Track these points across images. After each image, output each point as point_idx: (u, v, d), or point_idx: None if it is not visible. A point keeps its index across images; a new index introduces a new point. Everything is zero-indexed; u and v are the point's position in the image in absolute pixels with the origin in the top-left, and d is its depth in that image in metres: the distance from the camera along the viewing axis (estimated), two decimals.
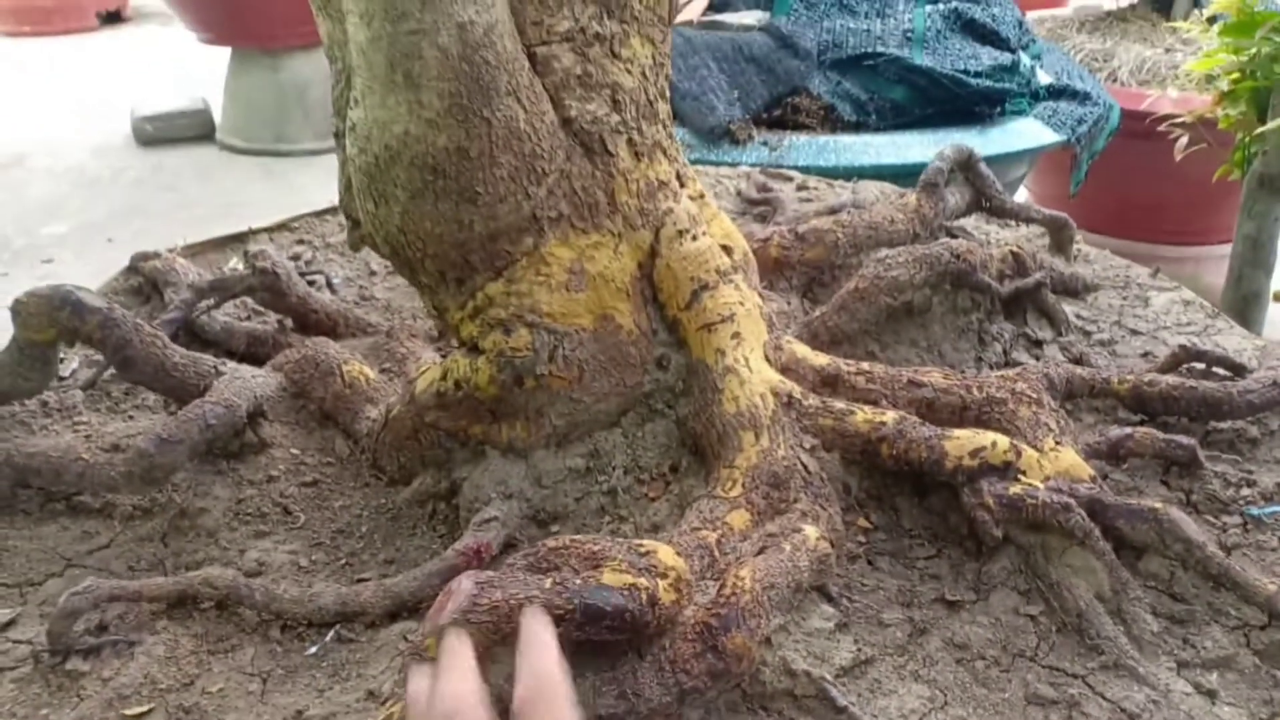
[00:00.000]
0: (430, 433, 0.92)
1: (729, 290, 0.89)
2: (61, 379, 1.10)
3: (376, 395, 1.02)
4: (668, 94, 0.92)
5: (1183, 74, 2.52)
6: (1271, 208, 1.68)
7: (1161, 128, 2.08)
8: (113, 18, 7.30)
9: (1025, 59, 1.92)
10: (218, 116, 4.61)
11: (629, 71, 0.86)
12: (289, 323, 1.18)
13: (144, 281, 1.27)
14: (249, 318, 1.24)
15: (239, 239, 1.42)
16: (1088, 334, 1.14)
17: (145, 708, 0.71)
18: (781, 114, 1.76)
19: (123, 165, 4.35)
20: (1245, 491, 0.88)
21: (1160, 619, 0.74)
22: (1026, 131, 1.81)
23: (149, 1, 7.96)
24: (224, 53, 4.61)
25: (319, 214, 1.51)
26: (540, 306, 0.84)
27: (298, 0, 4.07)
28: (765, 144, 1.69)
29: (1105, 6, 3.21)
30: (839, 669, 0.68)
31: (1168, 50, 2.79)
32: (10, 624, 0.78)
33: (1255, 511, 0.86)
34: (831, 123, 1.75)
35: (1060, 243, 1.29)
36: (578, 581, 0.63)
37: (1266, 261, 1.71)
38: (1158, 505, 0.76)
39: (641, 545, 0.67)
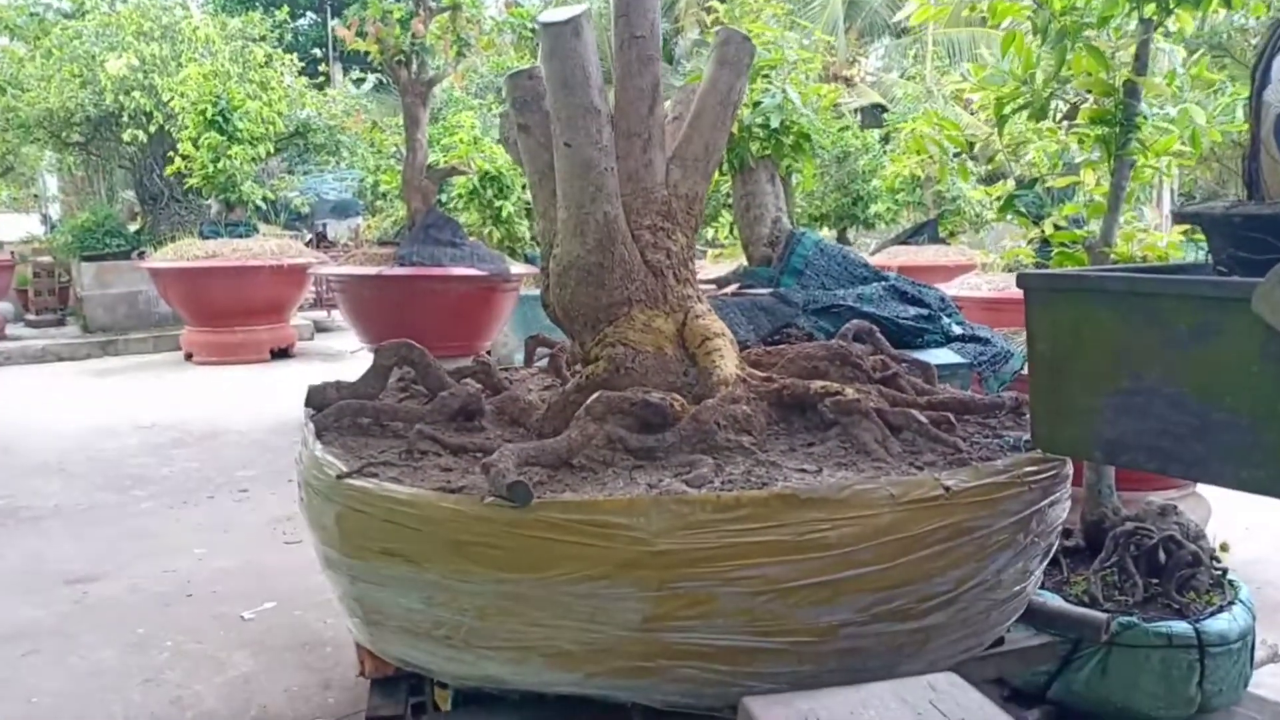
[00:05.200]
0: (571, 406, 1.86)
1: (719, 340, 1.87)
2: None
3: (541, 408, 1.98)
4: (694, 258, 1.97)
5: None
6: None
7: None
8: (283, 354, 9.03)
9: (944, 318, 2.96)
10: None
11: (675, 244, 1.92)
12: (490, 393, 2.17)
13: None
14: None
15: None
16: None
17: (454, 471, 1.62)
18: (780, 339, 2.80)
19: (296, 440, 5.55)
20: (975, 435, 1.76)
21: (905, 451, 1.61)
22: (940, 356, 2.80)
23: (307, 345, 9.81)
24: None
25: (501, 367, 2.55)
26: (629, 338, 1.83)
27: (445, 326, 5.54)
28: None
29: None
30: (751, 447, 1.57)
31: None
32: (382, 453, 1.71)
33: (976, 441, 1.73)
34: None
35: (926, 378, 2.23)
36: (642, 394, 1.56)
37: None
38: (907, 409, 1.66)
39: (669, 393, 1.60)
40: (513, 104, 1.97)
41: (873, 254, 10.07)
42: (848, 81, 20.19)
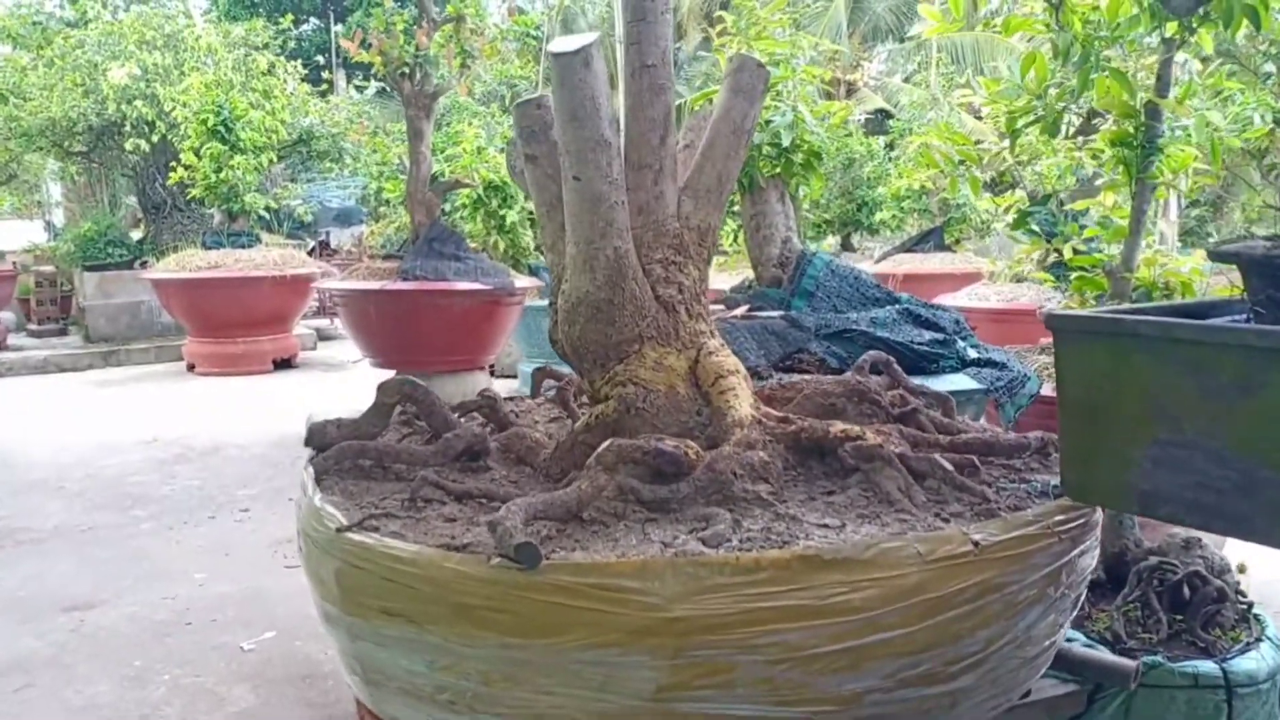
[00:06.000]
0: (580, 447, 1.80)
1: (733, 379, 1.80)
2: None
3: (548, 447, 1.91)
4: (708, 292, 1.90)
5: None
6: None
7: None
8: (285, 364, 8.98)
9: (959, 342, 2.89)
10: None
11: (688, 278, 1.85)
12: (496, 428, 2.10)
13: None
14: None
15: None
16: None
17: (458, 521, 1.55)
18: (791, 364, 2.74)
19: (297, 455, 5.47)
20: (1001, 480, 1.69)
21: (929, 500, 1.54)
22: (957, 381, 2.73)
23: (310, 355, 9.76)
24: (373, 383, 5.93)
25: (505, 399, 2.48)
26: (640, 376, 1.76)
27: (449, 340, 5.46)
28: (779, 380, 2.65)
29: None
30: (770, 498, 1.50)
31: None
32: (383, 500, 1.65)
33: (1003, 486, 1.66)
34: (824, 370, 2.71)
35: (945, 411, 2.16)
36: (655, 441, 1.49)
37: None
38: (930, 455, 1.59)
39: (683, 439, 1.54)
40: (520, 134, 1.90)
41: (878, 261, 10.01)
42: (850, 87, 20.11)
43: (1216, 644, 2.25)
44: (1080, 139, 3.61)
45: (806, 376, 2.71)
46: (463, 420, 2.13)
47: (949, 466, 1.57)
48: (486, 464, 1.87)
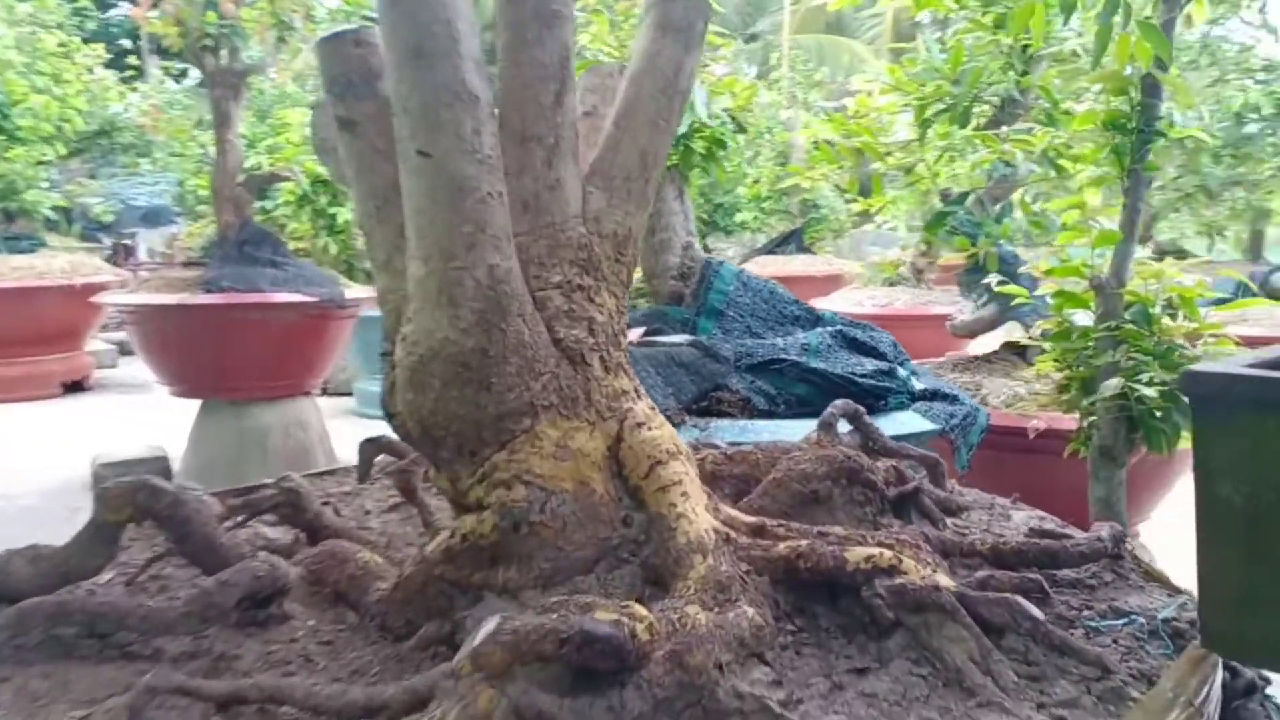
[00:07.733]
0: (437, 585, 1.12)
1: (676, 464, 1.17)
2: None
3: (385, 575, 1.22)
4: (627, 332, 1.26)
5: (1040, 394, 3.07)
6: (1114, 473, 2.05)
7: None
8: (75, 387, 7.74)
9: (901, 370, 2.36)
10: (176, 464, 4.87)
11: (601, 311, 1.21)
12: (303, 536, 1.39)
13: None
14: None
15: (252, 490, 1.65)
16: (962, 534, 1.42)
17: None
18: (708, 404, 2.13)
19: (78, 506, 4.47)
20: (1084, 613, 1.13)
21: (1020, 677, 0.96)
22: (907, 421, 2.19)
23: (109, 374, 8.52)
24: (181, 410, 5.00)
25: (319, 474, 1.76)
26: (534, 470, 1.11)
27: (266, 362, 4.54)
28: (696, 426, 2.04)
29: (971, 353, 3.85)
30: (777, 703, 0.87)
31: (1027, 382, 3.35)
32: (87, 716, 0.93)
33: (1093, 624, 1.10)
34: (748, 411, 2.12)
35: (935, 478, 1.60)
36: (576, 616, 0.84)
37: (1118, 517, 2.04)
38: (1007, 595, 1.01)
39: (622, 603, 0.89)
40: (330, 88, 1.21)
41: (740, 264, 9.61)
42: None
43: None
44: (1005, 129, 3.17)
45: (726, 421, 2.12)
46: (249, 523, 1.41)
47: (1038, 614, 0.99)
48: (283, 609, 1.16)
